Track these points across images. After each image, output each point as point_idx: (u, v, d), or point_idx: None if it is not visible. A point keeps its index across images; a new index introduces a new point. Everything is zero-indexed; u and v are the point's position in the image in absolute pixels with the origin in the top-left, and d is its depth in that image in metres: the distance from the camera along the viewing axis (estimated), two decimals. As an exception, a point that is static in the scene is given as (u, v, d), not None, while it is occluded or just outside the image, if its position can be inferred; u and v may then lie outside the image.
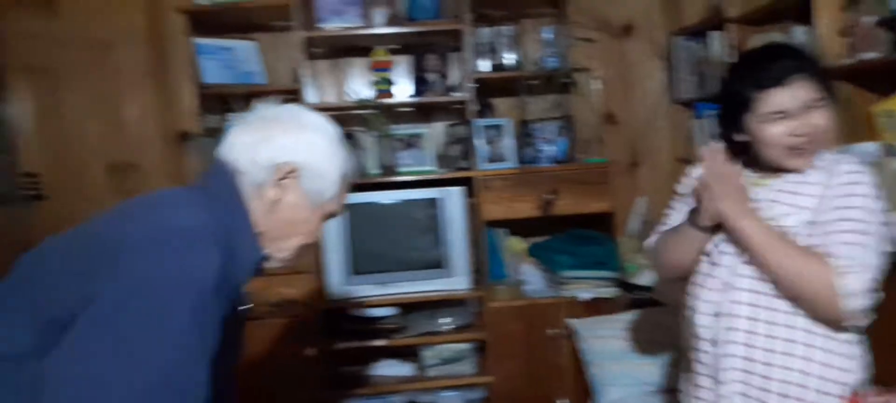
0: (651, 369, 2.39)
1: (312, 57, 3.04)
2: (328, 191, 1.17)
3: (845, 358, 1.28)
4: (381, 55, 2.95)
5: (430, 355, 2.84)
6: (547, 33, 3.02)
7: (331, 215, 1.21)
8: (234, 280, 1.07)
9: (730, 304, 1.34)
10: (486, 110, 3.10)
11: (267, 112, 1.19)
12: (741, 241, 1.31)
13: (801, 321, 1.28)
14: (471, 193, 2.85)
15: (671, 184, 3.06)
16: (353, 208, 2.74)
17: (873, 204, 1.27)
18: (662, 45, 3.21)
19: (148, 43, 3.06)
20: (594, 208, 2.82)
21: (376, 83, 2.92)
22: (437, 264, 2.79)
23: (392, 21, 2.94)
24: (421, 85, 3.01)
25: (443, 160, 2.99)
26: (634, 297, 2.71)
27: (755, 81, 1.31)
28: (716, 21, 2.71)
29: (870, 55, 1.98)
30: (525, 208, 2.81)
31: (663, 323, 2.48)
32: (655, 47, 3.22)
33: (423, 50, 3.00)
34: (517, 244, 3.04)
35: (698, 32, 2.91)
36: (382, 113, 2.80)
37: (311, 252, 2.66)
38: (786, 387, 1.28)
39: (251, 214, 1.13)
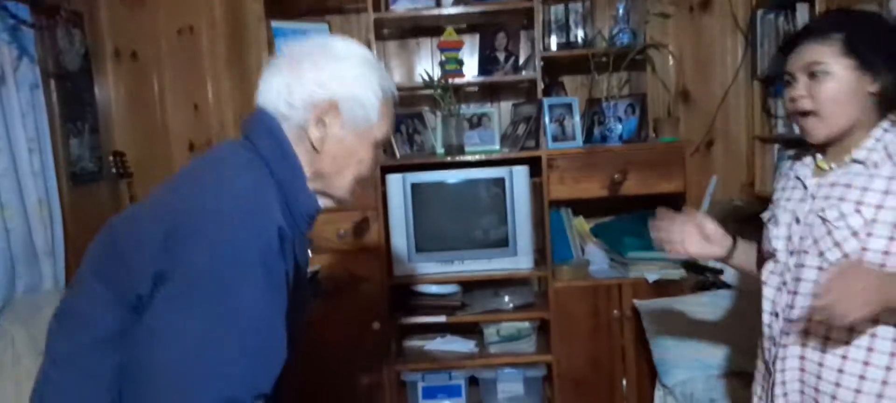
0: (717, 352, 2.32)
1: (382, 38, 3.09)
2: (371, 116, 1.12)
3: None
4: (450, 35, 2.96)
5: (491, 332, 2.85)
6: (620, 7, 2.93)
7: (380, 141, 1.17)
8: (295, 231, 1.08)
9: (787, 308, 1.28)
10: (555, 88, 3.06)
11: (294, 49, 1.14)
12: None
13: (866, 326, 1.18)
14: (537, 172, 2.83)
15: (747, 164, 3.01)
16: (418, 187, 2.78)
17: None
18: (744, 19, 3.06)
19: (227, 28, 3.20)
20: (664, 189, 2.73)
21: (445, 63, 2.93)
22: (500, 243, 2.80)
23: (461, 0, 2.95)
24: (489, 64, 3.00)
25: (509, 139, 2.98)
26: (702, 279, 2.63)
27: (783, 49, 1.27)
28: (803, -9, 2.56)
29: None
30: (592, 188, 2.77)
31: (731, 306, 2.39)
32: (736, 21, 3.08)
33: (493, 29, 2.99)
34: (583, 224, 3.00)
35: (783, 5, 2.76)
36: (450, 93, 2.82)
37: (379, 228, 2.74)
38: (837, 390, 1.20)
39: (300, 159, 1.11)
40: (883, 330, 1.17)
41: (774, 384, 1.30)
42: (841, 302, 1.07)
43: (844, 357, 1.20)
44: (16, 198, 2.41)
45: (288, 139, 1.10)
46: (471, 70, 3.05)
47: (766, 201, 1.50)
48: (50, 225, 2.56)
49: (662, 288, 2.68)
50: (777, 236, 1.32)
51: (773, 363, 1.31)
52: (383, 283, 2.78)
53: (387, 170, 2.79)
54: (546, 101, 2.82)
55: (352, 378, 2.80)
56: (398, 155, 2.86)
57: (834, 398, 1.22)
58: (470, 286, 2.92)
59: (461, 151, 2.85)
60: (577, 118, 2.84)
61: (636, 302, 2.64)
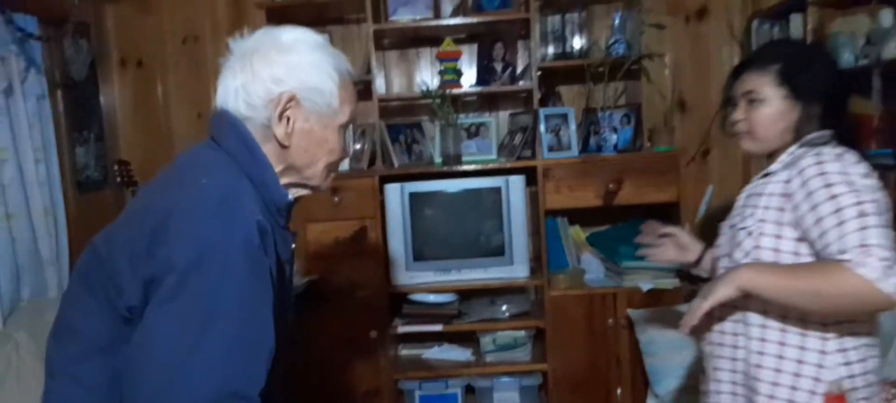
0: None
1: (382, 47, 3.14)
2: (332, 102, 1.12)
3: (821, 355, 1.27)
4: (448, 46, 3.00)
5: (487, 341, 2.89)
6: (616, 18, 2.96)
7: (345, 124, 1.17)
8: (273, 225, 1.09)
9: (721, 307, 1.35)
10: (552, 98, 3.09)
11: (242, 47, 1.13)
12: (761, 296, 1.28)
13: (774, 321, 1.31)
14: (533, 182, 2.86)
15: (743, 172, 3.02)
16: (416, 196, 2.82)
17: (848, 178, 1.22)
18: (739, 29, 3.09)
19: (231, 37, 3.24)
20: (658, 198, 2.76)
21: (443, 73, 2.97)
22: (497, 252, 2.83)
23: (460, 11, 2.99)
24: (487, 74, 3.03)
25: (506, 149, 3.01)
26: (695, 288, 2.65)
27: (732, 73, 1.45)
28: (797, 3, 2.58)
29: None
30: (587, 197, 2.80)
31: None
32: (732, 31, 3.10)
33: (490, 39, 3.03)
34: (579, 233, 3.03)
35: (778, 15, 2.78)
36: (448, 102, 2.86)
37: (377, 237, 2.78)
38: (759, 385, 1.32)
39: (269, 156, 1.11)
40: (754, 321, 1.34)
41: (713, 381, 1.46)
42: (706, 288, 1.30)
43: (761, 353, 1.34)
44: (22, 207, 2.47)
45: (253, 136, 1.11)
46: (469, 80, 3.09)
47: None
48: (55, 234, 2.62)
49: (656, 297, 2.70)
50: (718, 243, 1.49)
51: (712, 361, 1.47)
52: (381, 292, 2.81)
53: (385, 179, 2.83)
54: (542, 112, 2.85)
55: (349, 385, 2.84)
56: (397, 164, 2.91)
57: (770, 397, 1.33)
58: (467, 294, 2.96)
59: (459, 161, 2.89)
60: (573, 128, 2.87)
61: (630, 310, 2.67)
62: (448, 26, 2.95)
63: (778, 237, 1.29)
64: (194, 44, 3.25)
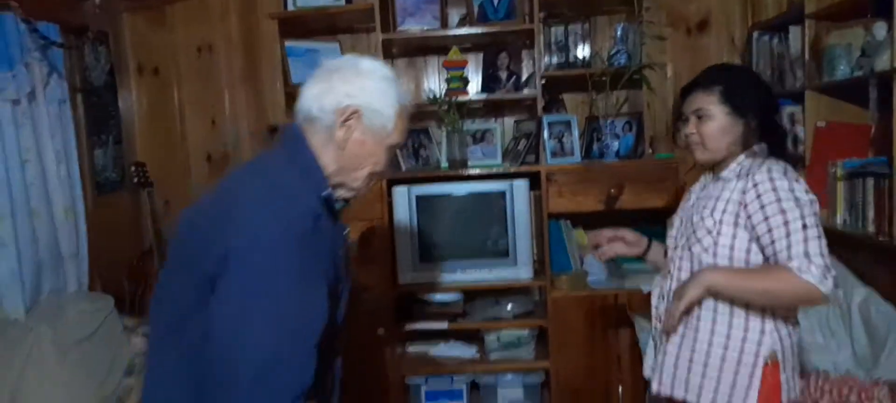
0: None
1: (391, 56, 3.22)
2: (387, 124, 1.33)
3: (761, 334, 1.50)
4: (454, 55, 3.08)
5: (492, 339, 2.96)
6: (618, 29, 3.04)
7: (394, 146, 1.37)
8: (323, 215, 1.28)
9: (669, 291, 1.60)
10: (555, 105, 3.17)
11: (330, 64, 1.35)
12: (722, 294, 1.51)
13: (724, 307, 1.54)
14: (536, 186, 2.94)
15: None
16: (423, 199, 2.90)
17: (795, 194, 1.45)
18: (740, 40, 3.16)
19: (243, 47, 3.36)
20: (657, 204, 2.83)
21: (450, 81, 3.06)
22: (501, 253, 2.91)
23: (466, 21, 3.07)
24: (492, 82, 3.12)
25: (511, 154, 3.10)
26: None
27: (681, 93, 1.66)
28: (795, 16, 2.66)
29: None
30: (589, 202, 2.87)
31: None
32: (732, 42, 3.18)
33: (496, 48, 3.12)
34: (582, 236, 3.10)
35: (777, 27, 2.86)
36: (454, 109, 2.94)
37: (384, 238, 2.86)
38: (711, 356, 1.54)
39: (324, 157, 1.31)
40: (707, 307, 1.55)
41: (665, 354, 1.64)
42: (678, 292, 1.50)
43: (696, 330, 1.57)
44: (44, 206, 2.57)
45: (312, 144, 1.31)
46: (474, 87, 3.17)
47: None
48: (75, 232, 2.71)
49: (657, 299, 2.76)
50: (670, 235, 1.71)
51: (660, 337, 1.67)
52: (388, 291, 2.90)
53: (393, 182, 2.92)
54: (546, 119, 2.93)
55: (358, 381, 2.91)
56: (404, 168, 2.99)
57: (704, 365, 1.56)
58: (472, 294, 3.04)
59: (464, 165, 2.97)
60: (576, 135, 2.95)
61: (631, 313, 2.74)
62: (454, 36, 3.04)
63: (734, 236, 1.52)
64: (209, 54, 3.36)
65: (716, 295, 1.51)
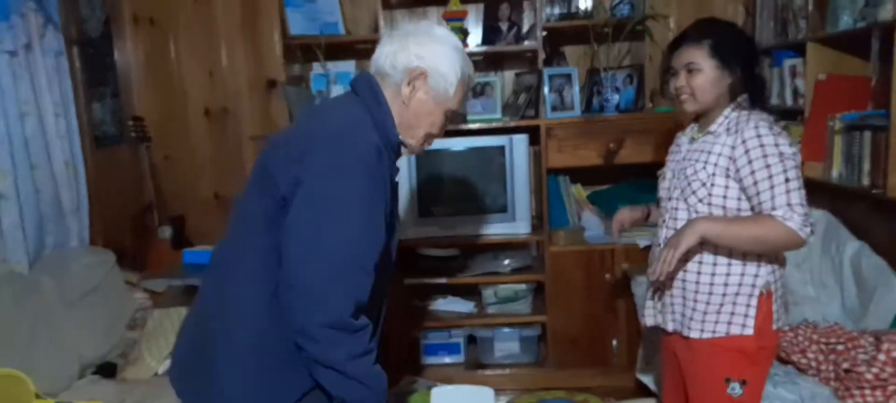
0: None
1: (390, 7, 3.18)
2: (449, 89, 1.45)
3: (755, 276, 1.64)
4: (454, 5, 3.04)
5: (489, 294, 3.00)
6: (622, -21, 2.99)
7: (452, 112, 1.50)
8: (387, 152, 1.40)
9: (666, 239, 1.70)
10: (556, 58, 3.14)
11: (407, 28, 1.48)
12: (714, 242, 1.61)
13: (722, 257, 1.65)
14: (536, 141, 2.93)
15: None
16: (422, 154, 2.88)
17: (779, 150, 1.56)
18: (745, -10, 3.11)
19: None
20: (657, 158, 2.82)
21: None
22: (500, 209, 2.92)
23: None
24: (492, 34, 3.08)
25: (510, 108, 3.08)
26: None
27: (669, 47, 1.73)
28: (801, -35, 2.61)
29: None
30: (589, 156, 2.87)
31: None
32: (738, -9, 3.13)
33: (497, -1, 3.07)
34: (580, 191, 3.11)
35: (783, -23, 2.80)
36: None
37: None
38: (713, 292, 1.66)
39: (391, 109, 1.44)
40: (707, 257, 1.66)
41: (662, 294, 1.77)
42: (672, 240, 1.60)
43: (697, 272, 1.68)
44: (44, 160, 2.57)
45: (383, 92, 1.44)
46: (475, 39, 3.13)
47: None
48: (76, 186, 2.72)
49: (653, 252, 2.79)
50: (663, 186, 1.80)
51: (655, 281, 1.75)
52: (388, 245, 2.91)
53: (392, 136, 2.90)
54: (546, 72, 2.90)
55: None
56: (403, 122, 2.97)
57: (685, 297, 1.70)
58: (470, 249, 3.06)
59: (464, 120, 2.96)
60: (576, 88, 2.93)
61: (625, 265, 2.76)
62: (455, -13, 2.99)
63: (726, 187, 1.62)
64: (206, 4, 3.31)
65: (706, 242, 1.61)
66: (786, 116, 2.68)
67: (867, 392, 1.89)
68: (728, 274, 1.65)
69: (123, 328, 2.65)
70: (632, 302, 2.76)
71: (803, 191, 1.57)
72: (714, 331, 1.66)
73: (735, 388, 1.65)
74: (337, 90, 2.98)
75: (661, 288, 1.78)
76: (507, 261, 2.98)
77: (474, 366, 3.03)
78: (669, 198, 1.74)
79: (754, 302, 1.64)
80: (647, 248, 2.78)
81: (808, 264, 2.39)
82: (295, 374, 1.34)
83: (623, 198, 2.94)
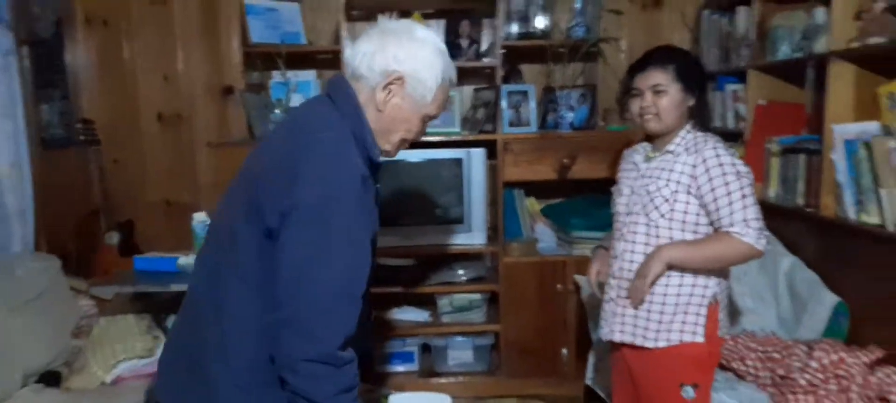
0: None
1: (352, 19, 3.20)
2: (427, 95, 1.37)
3: (704, 288, 1.74)
4: (416, 19, 3.09)
5: (444, 303, 3.04)
6: (577, 2, 3.10)
7: (429, 117, 1.42)
8: (371, 172, 1.35)
9: (623, 252, 1.81)
10: (514, 76, 3.22)
11: (386, 26, 1.39)
12: (679, 266, 1.72)
13: (675, 272, 1.73)
14: (493, 155, 3.00)
15: None
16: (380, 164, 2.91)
17: (736, 169, 1.67)
18: (690, 18, 3.27)
19: (200, 1, 3.26)
20: (609, 174, 2.93)
21: (409, 46, 3.05)
22: (456, 220, 2.97)
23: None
24: (453, 49, 3.13)
25: (469, 122, 3.14)
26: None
27: (631, 70, 1.83)
28: (744, -3, 2.76)
29: (877, 39, 2.05)
30: (543, 171, 2.96)
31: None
32: (685, 20, 3.28)
33: (458, 15, 3.13)
34: (534, 204, 3.20)
35: (727, 7, 2.96)
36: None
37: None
38: (665, 303, 1.75)
39: (366, 115, 1.36)
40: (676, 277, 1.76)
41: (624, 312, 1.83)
42: (642, 271, 1.72)
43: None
44: (-11, 161, 2.49)
45: (360, 96, 1.37)
46: (434, 54, 3.18)
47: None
48: (21, 189, 2.64)
49: (604, 265, 2.89)
50: (620, 202, 1.88)
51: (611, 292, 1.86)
52: (344, 254, 2.91)
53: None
54: (505, 88, 2.98)
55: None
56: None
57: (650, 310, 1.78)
58: (427, 259, 3.10)
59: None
60: (533, 105, 3.02)
61: (577, 277, 2.86)
62: (417, 0, 3.03)
63: (687, 203, 1.73)
64: (163, 6, 3.26)
65: (672, 267, 1.73)
66: (727, 138, 2.78)
67: (801, 396, 2.02)
68: (680, 286, 1.75)
69: (69, 335, 2.57)
70: (582, 312, 2.85)
71: (758, 206, 1.68)
72: (668, 340, 1.75)
73: (688, 392, 1.75)
74: (297, 99, 2.98)
75: (614, 300, 1.85)
76: (462, 271, 3.03)
77: (428, 374, 3.06)
78: (629, 213, 1.82)
79: (704, 311, 1.74)
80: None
81: (747, 278, 2.52)
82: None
83: (575, 211, 3.04)
